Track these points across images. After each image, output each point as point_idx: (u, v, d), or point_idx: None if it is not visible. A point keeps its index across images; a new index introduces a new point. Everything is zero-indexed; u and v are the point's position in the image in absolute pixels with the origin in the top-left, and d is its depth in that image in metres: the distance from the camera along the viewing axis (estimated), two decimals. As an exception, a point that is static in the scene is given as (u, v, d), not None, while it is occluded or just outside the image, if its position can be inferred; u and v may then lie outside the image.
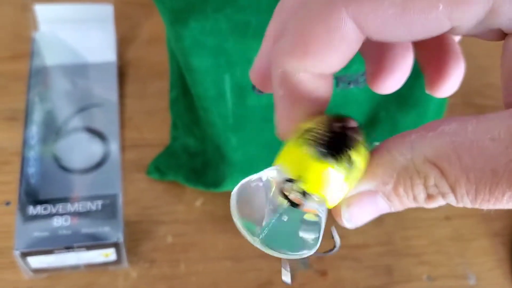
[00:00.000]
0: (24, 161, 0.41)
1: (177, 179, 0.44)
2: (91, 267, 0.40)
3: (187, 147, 0.45)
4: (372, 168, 0.20)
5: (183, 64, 0.38)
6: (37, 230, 0.37)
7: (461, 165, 0.18)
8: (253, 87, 0.38)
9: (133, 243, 0.42)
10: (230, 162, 0.40)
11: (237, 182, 0.41)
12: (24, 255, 0.37)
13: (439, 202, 0.19)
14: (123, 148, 0.47)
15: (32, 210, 0.38)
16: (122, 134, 0.47)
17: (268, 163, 0.41)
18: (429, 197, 0.19)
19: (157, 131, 0.48)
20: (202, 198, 0.45)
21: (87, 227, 0.38)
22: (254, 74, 0.24)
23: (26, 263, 0.38)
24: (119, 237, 0.37)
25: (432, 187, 0.19)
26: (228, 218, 0.44)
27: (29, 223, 0.37)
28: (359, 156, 0.19)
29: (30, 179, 0.41)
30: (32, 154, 0.42)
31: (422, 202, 0.19)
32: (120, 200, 0.39)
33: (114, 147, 0.44)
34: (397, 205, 0.20)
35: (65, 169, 0.43)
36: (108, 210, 0.39)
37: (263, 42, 0.23)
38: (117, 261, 0.40)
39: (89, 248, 0.37)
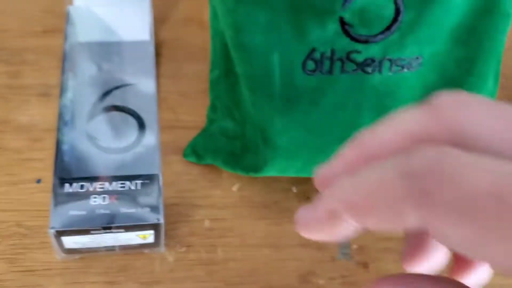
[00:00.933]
0: (58, 138, 0.39)
1: (215, 162, 0.42)
2: (126, 249, 0.38)
3: (225, 130, 0.43)
4: None
5: (232, 40, 0.36)
6: (74, 209, 0.36)
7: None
8: (303, 66, 0.36)
9: (169, 226, 0.41)
10: (274, 146, 0.38)
11: (279, 168, 0.39)
12: (59, 234, 0.35)
13: None
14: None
15: (68, 187, 0.36)
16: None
17: (312, 149, 0.39)
18: None
19: (193, 113, 0.47)
20: (238, 183, 0.43)
21: (126, 207, 0.36)
22: (319, 180, 0.23)
23: (60, 243, 0.36)
24: (160, 218, 0.36)
25: None
26: (266, 204, 0.43)
27: (65, 201, 0.36)
28: None
29: (64, 157, 0.39)
30: (66, 131, 0.40)
31: None
32: (161, 181, 0.37)
33: (150, 127, 0.42)
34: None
35: (99, 147, 0.41)
36: (148, 191, 0.37)
37: (339, 158, 0.22)
38: (154, 244, 0.38)
39: (127, 229, 0.36)
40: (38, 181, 0.41)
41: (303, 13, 0.35)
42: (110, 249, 0.38)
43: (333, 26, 0.35)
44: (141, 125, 0.43)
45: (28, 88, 0.46)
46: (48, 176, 0.42)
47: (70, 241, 0.36)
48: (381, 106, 0.39)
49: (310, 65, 0.36)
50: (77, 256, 0.38)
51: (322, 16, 0.35)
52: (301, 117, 0.37)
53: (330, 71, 0.37)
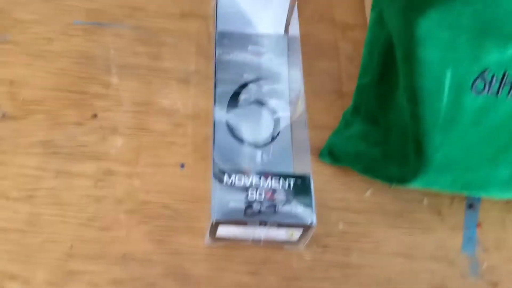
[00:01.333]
0: (215, 125, 0.40)
1: (354, 167, 0.43)
2: (268, 243, 0.39)
3: (366, 135, 0.43)
4: None
5: (406, 51, 0.36)
6: (233, 201, 0.37)
7: None
8: (472, 85, 0.37)
9: (305, 225, 0.41)
10: (428, 160, 0.38)
11: (427, 181, 0.39)
12: (218, 223, 0.36)
13: None
14: (295, 126, 0.46)
15: (227, 179, 0.37)
16: (294, 112, 0.46)
17: (464, 167, 0.40)
18: None
19: (325, 112, 0.47)
20: (371, 189, 0.44)
21: (281, 205, 0.37)
22: None
23: (214, 231, 0.37)
24: (313, 219, 0.37)
25: None
26: (398, 213, 0.43)
27: (225, 192, 0.37)
28: None
29: (216, 147, 0.40)
30: (216, 118, 0.41)
31: None
32: (312, 182, 0.38)
33: (285, 122, 0.43)
34: None
35: (238, 139, 0.42)
36: (300, 190, 0.38)
37: None
38: (297, 243, 0.39)
39: (281, 226, 0.37)
40: (182, 165, 0.43)
41: (486, 35, 0.35)
42: (256, 241, 0.39)
43: (512, 50, 0.35)
44: (275, 120, 0.44)
45: (168, 72, 0.47)
46: (190, 162, 0.43)
47: (224, 230, 0.37)
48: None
49: (480, 85, 0.36)
50: (222, 243, 0.39)
51: (504, 39, 0.35)
52: (460, 135, 0.38)
53: (497, 93, 0.37)
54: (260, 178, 0.38)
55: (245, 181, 0.38)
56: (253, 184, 0.38)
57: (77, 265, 0.38)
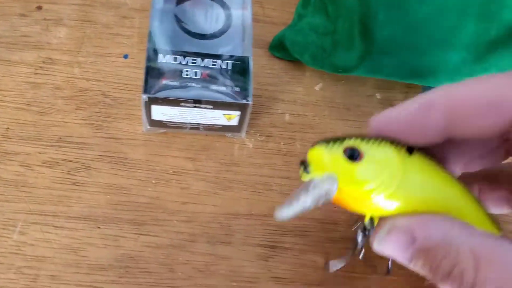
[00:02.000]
0: (153, 13, 0.39)
1: (302, 57, 0.42)
2: (209, 130, 0.39)
3: (315, 26, 0.42)
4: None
5: None
6: (167, 78, 0.36)
7: None
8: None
9: (250, 116, 0.40)
10: (372, 40, 0.37)
11: (372, 66, 0.38)
12: (151, 101, 0.35)
13: None
14: (246, 19, 0.44)
15: (162, 58, 0.36)
16: (245, 6, 0.45)
17: (409, 50, 0.38)
18: None
19: (281, 9, 0.46)
20: (321, 83, 0.43)
21: (217, 84, 0.36)
22: (377, 124, 0.26)
23: (149, 112, 0.36)
24: (249, 99, 0.36)
25: None
26: (348, 107, 0.42)
27: (159, 70, 0.36)
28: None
29: (161, 32, 0.39)
30: (157, 7, 0.40)
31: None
32: (251, 63, 0.37)
33: (237, 13, 0.41)
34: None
35: (187, 32, 0.41)
36: (239, 72, 0.37)
37: (401, 108, 0.26)
38: (237, 128, 0.38)
39: (216, 106, 0.36)
40: (125, 56, 0.42)
41: None
42: (195, 127, 0.38)
43: None
44: (227, 13, 0.42)
45: (117, -33, 0.46)
46: (135, 53, 0.42)
47: (158, 112, 0.36)
48: (486, 13, 0.37)
49: (424, -41, 0.35)
50: (161, 130, 0.39)
51: None
52: (405, 13, 0.36)
53: (443, -31, 0.35)
54: (197, 58, 0.37)
55: (181, 60, 0.37)
56: (189, 63, 0.37)
57: (12, 147, 0.37)
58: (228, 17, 0.42)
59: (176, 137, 0.39)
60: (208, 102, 0.36)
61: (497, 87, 0.24)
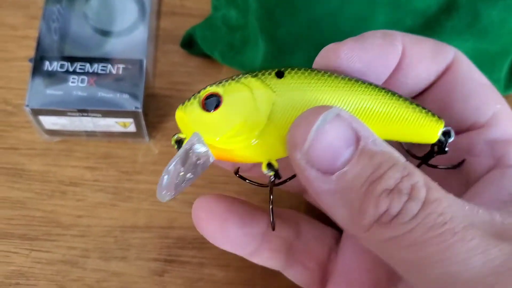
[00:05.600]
0: (46, 13, 0.37)
1: (212, 54, 0.39)
2: (109, 136, 0.37)
3: (227, 19, 0.39)
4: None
5: None
6: (51, 88, 0.34)
7: None
8: None
9: (158, 118, 0.38)
10: (272, 38, 0.34)
11: (277, 65, 0.35)
12: (35, 113, 0.34)
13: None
14: (158, 14, 0.42)
15: (48, 65, 0.35)
16: (160, -1, 0.42)
17: (313, 46, 0.35)
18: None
19: (199, 0, 0.43)
20: (239, 80, 0.40)
21: (104, 91, 0.34)
22: None
23: (39, 122, 0.35)
24: (138, 106, 0.34)
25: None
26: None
27: (44, 79, 0.34)
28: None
29: (53, 35, 0.37)
30: (57, 7, 0.38)
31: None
32: (144, 67, 0.35)
33: (148, 9, 0.39)
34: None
35: (94, 29, 0.39)
36: (130, 76, 0.34)
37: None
38: (137, 134, 0.36)
39: (104, 114, 0.34)
40: (31, 60, 0.40)
41: None
42: (91, 134, 0.36)
43: None
44: (141, 9, 0.40)
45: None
46: (41, 56, 0.40)
47: (48, 122, 0.35)
48: (396, 2, 0.34)
49: None
50: (58, 138, 0.37)
51: None
52: (304, 7, 0.33)
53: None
54: (86, 63, 0.35)
55: (69, 67, 0.35)
56: (77, 70, 0.35)
57: None
58: (142, 12, 0.39)
59: (77, 145, 0.37)
60: (94, 111, 0.34)
61: None
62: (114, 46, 0.37)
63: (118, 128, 0.36)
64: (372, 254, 0.21)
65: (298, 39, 0.34)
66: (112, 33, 0.37)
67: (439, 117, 0.23)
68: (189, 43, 0.40)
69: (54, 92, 0.34)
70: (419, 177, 0.19)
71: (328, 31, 0.34)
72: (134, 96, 0.34)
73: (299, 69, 0.22)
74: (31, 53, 0.40)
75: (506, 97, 0.38)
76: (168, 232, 0.35)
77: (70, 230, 0.35)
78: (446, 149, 0.23)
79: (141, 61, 0.35)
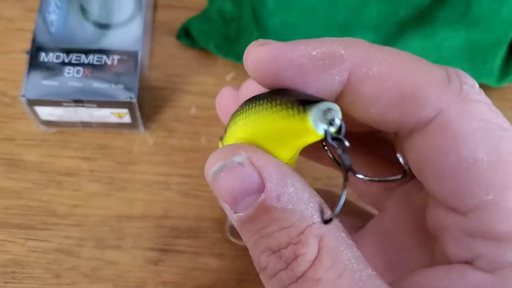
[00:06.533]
0: (43, 6, 0.37)
1: (208, 46, 0.39)
2: (105, 127, 0.37)
3: (223, 11, 0.39)
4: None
5: None
6: (47, 79, 0.34)
7: None
8: None
9: (154, 110, 0.39)
10: (265, 28, 0.34)
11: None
12: (31, 103, 0.34)
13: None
14: (155, 7, 0.42)
15: (44, 57, 0.35)
16: (156, -8, 0.42)
17: (307, 35, 0.35)
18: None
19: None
20: (233, 73, 0.40)
21: (100, 82, 0.34)
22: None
23: (35, 113, 0.35)
24: (132, 96, 0.34)
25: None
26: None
27: (39, 70, 0.34)
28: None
29: (50, 27, 0.37)
30: (54, 0, 0.38)
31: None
32: (139, 59, 0.35)
33: (145, 1, 0.39)
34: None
35: (91, 22, 0.39)
36: (125, 68, 0.35)
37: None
38: (132, 125, 0.37)
39: (100, 105, 0.34)
40: (28, 52, 0.40)
41: None
42: (87, 125, 0.37)
43: None
44: (137, 2, 0.40)
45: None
46: (38, 48, 0.40)
47: (44, 112, 0.35)
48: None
49: None
50: (55, 129, 0.37)
51: None
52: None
53: None
54: (82, 55, 0.35)
55: (65, 58, 0.35)
56: (72, 61, 0.35)
57: None
58: (138, 5, 0.40)
59: (74, 136, 0.38)
60: (89, 101, 0.34)
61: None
62: (110, 38, 0.37)
63: (114, 119, 0.36)
64: (391, 248, 0.21)
65: (291, 29, 0.34)
66: (109, 25, 0.38)
67: (305, 105, 0.16)
68: (185, 36, 0.40)
69: (50, 83, 0.34)
70: (312, 247, 0.17)
71: (322, 21, 0.34)
72: (128, 87, 0.34)
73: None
74: (29, 45, 0.40)
75: (499, 89, 0.39)
76: (163, 222, 0.35)
77: (66, 220, 0.35)
78: (338, 136, 0.16)
79: (136, 53, 0.35)
